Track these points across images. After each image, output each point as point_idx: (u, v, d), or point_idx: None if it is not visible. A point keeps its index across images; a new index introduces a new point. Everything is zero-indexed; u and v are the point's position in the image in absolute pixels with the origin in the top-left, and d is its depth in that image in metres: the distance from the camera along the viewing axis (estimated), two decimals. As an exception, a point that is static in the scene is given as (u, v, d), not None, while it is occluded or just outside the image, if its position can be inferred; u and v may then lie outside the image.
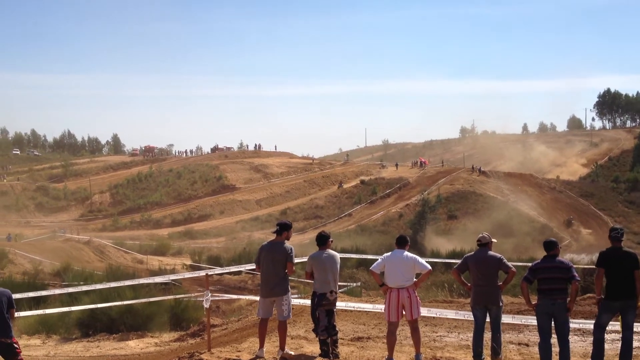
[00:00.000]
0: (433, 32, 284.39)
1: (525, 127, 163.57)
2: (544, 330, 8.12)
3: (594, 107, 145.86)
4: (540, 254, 8.58)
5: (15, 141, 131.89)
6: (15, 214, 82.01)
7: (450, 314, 11.88)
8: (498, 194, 75.25)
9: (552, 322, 8.06)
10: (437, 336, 11.40)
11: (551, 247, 8.21)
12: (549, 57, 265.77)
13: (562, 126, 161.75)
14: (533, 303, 8.22)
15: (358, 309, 13.21)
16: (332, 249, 8.98)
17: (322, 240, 8.92)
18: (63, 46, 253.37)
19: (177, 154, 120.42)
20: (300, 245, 42.91)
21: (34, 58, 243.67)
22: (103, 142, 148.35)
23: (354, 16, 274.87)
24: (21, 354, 8.09)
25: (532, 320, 10.61)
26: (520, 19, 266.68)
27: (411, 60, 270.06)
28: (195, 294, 19.49)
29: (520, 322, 11.17)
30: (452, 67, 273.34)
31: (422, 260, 8.69)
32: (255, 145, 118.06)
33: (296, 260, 9.03)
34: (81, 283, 23.73)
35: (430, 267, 8.65)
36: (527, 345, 10.47)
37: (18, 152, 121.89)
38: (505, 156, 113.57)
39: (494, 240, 8.89)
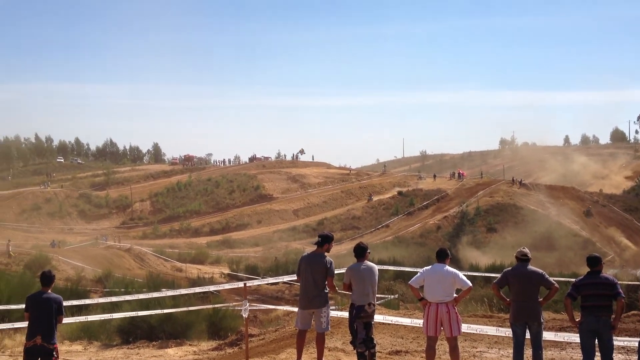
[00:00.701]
0: (474, 42, 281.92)
1: (567, 139, 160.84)
2: (587, 349, 7.93)
3: (638, 120, 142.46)
4: (584, 269, 8.40)
5: (60, 149, 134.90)
6: (59, 220, 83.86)
7: (490, 330, 11.70)
8: (539, 207, 73.96)
9: (596, 340, 7.89)
10: (477, 352, 11.24)
11: (595, 263, 8.04)
12: (590, 68, 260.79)
13: (604, 138, 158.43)
14: (577, 320, 8.05)
15: (396, 323, 13.11)
16: (369, 261, 8.97)
17: (361, 252, 8.85)
18: (107, 57, 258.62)
19: (215, 163, 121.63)
20: (337, 256, 42.74)
21: (79, 68, 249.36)
22: (144, 150, 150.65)
23: (393, 27, 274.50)
24: None
25: (575, 338, 10.39)
26: (561, 30, 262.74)
27: (450, 70, 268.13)
28: (233, 303, 19.61)
29: (562, 340, 10.93)
30: (491, 78, 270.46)
31: (463, 276, 8.58)
32: (293, 155, 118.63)
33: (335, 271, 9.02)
34: (122, 290, 24.14)
35: (470, 284, 8.53)
36: (570, 363, 10.23)
37: (62, 160, 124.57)
38: (546, 168, 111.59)
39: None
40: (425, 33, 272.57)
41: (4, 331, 14.95)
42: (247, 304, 10.77)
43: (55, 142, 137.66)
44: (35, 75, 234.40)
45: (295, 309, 9.39)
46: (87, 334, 15.68)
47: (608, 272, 8.32)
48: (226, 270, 43.29)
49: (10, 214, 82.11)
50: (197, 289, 17.93)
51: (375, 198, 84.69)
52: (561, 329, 12.84)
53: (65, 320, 15.26)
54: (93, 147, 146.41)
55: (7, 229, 73.96)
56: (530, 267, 8.48)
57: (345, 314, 10.25)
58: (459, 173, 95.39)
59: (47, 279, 8.22)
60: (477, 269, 31.10)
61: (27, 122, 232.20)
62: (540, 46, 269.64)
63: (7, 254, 45.93)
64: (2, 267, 34.57)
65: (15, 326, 13.50)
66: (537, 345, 8.36)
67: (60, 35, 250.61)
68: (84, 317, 16.05)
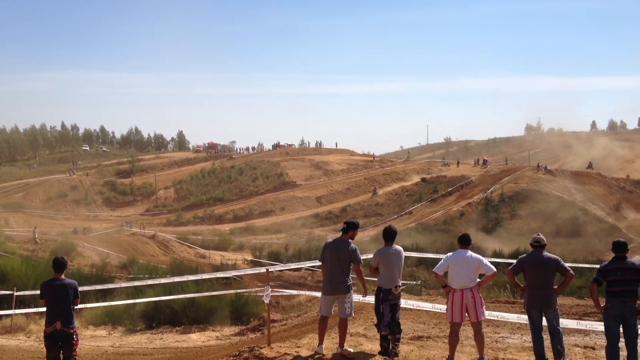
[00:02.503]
0: (497, 27, 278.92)
1: (594, 125, 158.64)
2: (612, 334, 7.80)
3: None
4: (609, 255, 8.26)
5: (85, 137, 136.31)
6: (84, 208, 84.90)
7: (512, 317, 11.58)
8: (564, 193, 73.05)
9: (621, 327, 7.76)
10: (499, 337, 11.15)
11: (621, 248, 7.90)
12: (617, 53, 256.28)
13: (632, 124, 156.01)
14: (602, 305, 7.92)
15: (417, 308, 13.06)
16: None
17: (392, 236, 8.84)
18: (131, 46, 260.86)
19: (239, 150, 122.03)
20: (360, 242, 42.64)
21: (104, 57, 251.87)
22: (168, 138, 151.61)
23: (415, 12, 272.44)
24: (78, 345, 8.29)
25: (597, 326, 10.25)
26: (587, 14, 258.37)
27: (475, 56, 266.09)
28: (256, 289, 19.69)
29: (585, 328, 10.79)
30: (517, 64, 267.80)
31: (487, 262, 8.50)
32: (316, 142, 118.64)
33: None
34: (146, 276, 24.38)
35: (495, 269, 8.45)
36: (593, 348, 10.10)
37: (87, 148, 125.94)
38: (573, 154, 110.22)
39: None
40: (452, 19, 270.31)
41: (30, 316, 15.19)
42: (269, 290, 10.77)
43: (81, 131, 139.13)
44: (61, 65, 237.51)
45: (318, 295, 9.38)
46: (111, 319, 15.86)
47: (634, 258, 8.15)
48: (249, 257, 43.45)
49: (37, 201, 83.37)
50: (219, 274, 18.06)
51: (395, 186, 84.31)
52: (585, 315, 12.70)
53: (90, 305, 15.54)
54: (118, 135, 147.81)
55: (34, 216, 75.18)
56: (546, 253, 8.38)
57: (366, 300, 10.21)
58: (483, 159, 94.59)
59: (60, 265, 8.26)
60: (500, 255, 30.85)
61: (53, 111, 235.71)
62: (567, 31, 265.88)
63: (34, 241, 46.66)
64: (29, 254, 35.07)
65: (41, 311, 13.69)
66: (556, 331, 8.26)
67: (87, 25, 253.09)
68: (109, 302, 16.26)
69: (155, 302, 15.14)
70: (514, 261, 8.81)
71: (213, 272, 22.60)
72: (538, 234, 8.68)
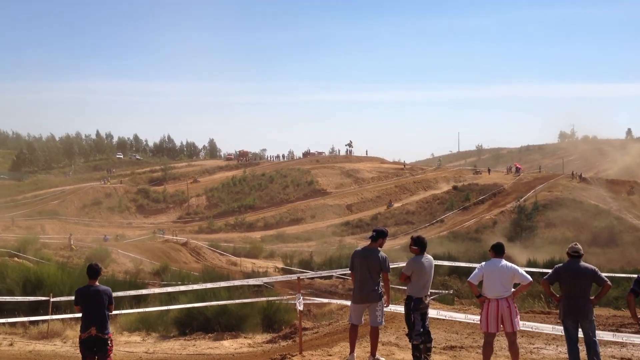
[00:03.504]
0: (530, 34, 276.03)
1: (629, 132, 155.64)
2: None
3: None
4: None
5: (119, 146, 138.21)
6: (118, 215, 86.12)
7: (547, 328, 11.41)
8: (600, 201, 71.81)
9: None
10: (534, 348, 10.99)
11: (659, 258, 7.75)
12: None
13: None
14: (639, 316, 7.76)
15: (450, 318, 12.94)
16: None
17: (425, 245, 8.82)
18: (164, 55, 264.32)
19: (269, 158, 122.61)
20: (391, 250, 42.63)
21: (138, 67, 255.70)
22: (200, 146, 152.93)
23: (447, 20, 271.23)
24: (112, 351, 8.38)
25: (634, 338, 10.04)
26: (623, 20, 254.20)
27: (507, 63, 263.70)
28: (287, 296, 19.71)
29: (621, 340, 10.57)
30: (550, 70, 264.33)
31: (522, 271, 8.41)
32: (347, 150, 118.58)
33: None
34: (179, 283, 24.57)
35: (530, 279, 8.35)
36: (631, 360, 9.90)
37: (121, 156, 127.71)
38: (608, 162, 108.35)
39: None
40: (484, 26, 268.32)
41: (66, 322, 15.43)
42: (301, 298, 10.79)
43: (115, 139, 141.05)
44: (97, 74, 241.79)
45: (349, 303, 9.36)
46: (145, 325, 16.01)
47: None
48: (280, 265, 43.54)
49: (72, 209, 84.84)
50: (251, 281, 18.10)
51: (427, 194, 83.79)
52: (622, 326, 12.44)
53: (124, 311, 15.71)
54: (151, 144, 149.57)
55: (69, 223, 76.50)
56: (583, 263, 8.26)
57: (399, 308, 10.17)
58: (516, 167, 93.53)
59: (94, 271, 8.35)
60: (534, 265, 30.40)
61: (88, 119, 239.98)
62: (603, 37, 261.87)
63: (69, 247, 47.48)
64: (64, 260, 35.61)
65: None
66: (592, 343, 8.12)
67: (122, 36, 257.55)
68: (142, 309, 16.43)
69: (188, 308, 15.26)
70: (549, 271, 8.69)
71: (244, 279, 22.71)
72: (576, 244, 8.55)
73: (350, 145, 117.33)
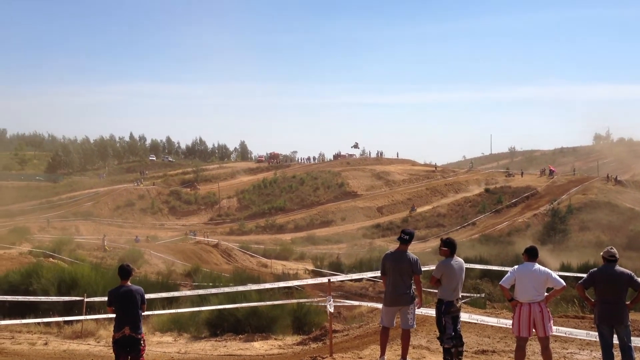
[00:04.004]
0: (564, 35, 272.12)
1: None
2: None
3: None
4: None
5: (152, 148, 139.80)
6: (151, 216, 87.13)
7: (581, 333, 11.21)
8: (636, 204, 70.39)
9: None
10: (567, 353, 10.81)
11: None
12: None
13: None
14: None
15: (482, 322, 12.80)
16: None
17: (455, 247, 8.77)
18: (196, 58, 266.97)
19: (300, 160, 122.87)
20: (422, 253, 42.36)
21: (170, 70, 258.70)
22: (231, 148, 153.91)
23: (478, 20, 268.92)
24: (145, 351, 8.48)
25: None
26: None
27: (540, 64, 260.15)
28: (317, 298, 19.72)
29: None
30: (584, 71, 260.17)
31: (556, 275, 8.28)
32: (377, 152, 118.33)
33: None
34: (210, 284, 24.75)
35: (564, 283, 8.22)
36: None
37: (154, 158, 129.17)
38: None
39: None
40: (516, 26, 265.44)
41: (99, 322, 15.65)
42: (332, 300, 10.77)
43: (148, 141, 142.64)
44: (130, 77, 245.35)
45: (379, 306, 9.33)
46: (177, 325, 16.16)
47: None
48: (310, 267, 43.56)
49: (106, 210, 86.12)
50: (282, 284, 18.15)
51: (458, 196, 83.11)
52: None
53: (157, 312, 15.88)
54: (183, 146, 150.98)
55: (103, 224, 77.67)
56: (618, 267, 8.12)
57: (430, 311, 10.10)
58: (549, 170, 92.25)
59: (126, 272, 8.46)
60: (568, 269, 29.94)
61: (122, 122, 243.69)
62: (637, 38, 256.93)
63: (102, 248, 48.17)
64: (98, 261, 36.10)
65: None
66: (626, 348, 7.97)
67: (154, 38, 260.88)
68: (175, 310, 16.59)
69: (219, 309, 15.35)
70: (583, 275, 8.56)
71: (275, 282, 22.77)
72: (611, 248, 8.40)
73: (356, 146, 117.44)
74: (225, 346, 13.82)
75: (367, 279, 31.30)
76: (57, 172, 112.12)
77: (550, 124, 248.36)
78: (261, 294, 17.35)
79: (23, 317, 15.88)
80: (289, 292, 23.86)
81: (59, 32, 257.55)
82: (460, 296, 8.68)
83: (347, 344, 12.44)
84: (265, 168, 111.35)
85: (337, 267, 39.33)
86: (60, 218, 78.29)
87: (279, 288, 21.05)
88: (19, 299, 16.71)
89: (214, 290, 15.84)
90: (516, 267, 8.47)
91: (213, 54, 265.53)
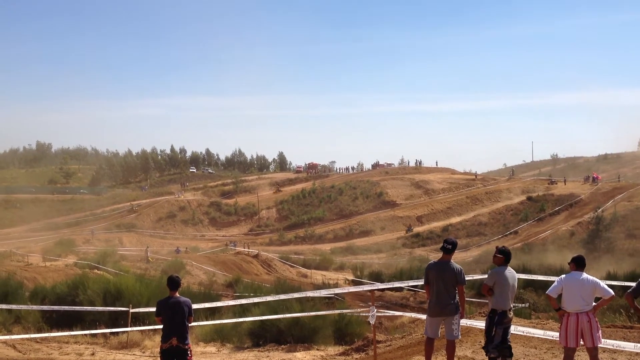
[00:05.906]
0: (605, 40, 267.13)
1: None
2: None
3: None
4: None
5: (192, 160, 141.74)
6: (192, 227, 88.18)
7: (629, 346, 10.91)
8: (684, 211, 68.41)
9: None
10: (617, 365, 10.54)
11: None
12: None
13: None
14: None
15: (528, 334, 12.57)
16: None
17: (509, 256, 8.69)
18: (233, 70, 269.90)
19: (338, 170, 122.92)
20: (463, 263, 41.86)
21: (208, 83, 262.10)
22: (270, 159, 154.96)
23: (518, 27, 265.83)
24: None
25: None
26: None
27: (582, 70, 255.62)
28: (359, 309, 19.65)
29: None
30: (629, 76, 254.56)
31: (604, 284, 8.11)
32: (416, 161, 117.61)
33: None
34: (251, 294, 24.91)
35: (612, 293, 8.04)
36: None
37: (194, 170, 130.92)
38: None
39: None
40: (558, 33, 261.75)
41: (145, 332, 15.86)
42: (375, 310, 10.74)
43: (189, 153, 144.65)
44: (170, 91, 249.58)
45: (421, 316, 9.28)
46: (220, 336, 16.28)
47: None
48: (350, 277, 43.45)
49: (148, 222, 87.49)
50: (324, 292, 18.15)
51: (500, 205, 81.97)
52: None
53: (200, 322, 16.05)
54: (222, 157, 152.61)
55: (145, 235, 78.92)
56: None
57: (474, 322, 9.98)
58: (593, 177, 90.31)
59: (175, 283, 8.59)
60: (614, 277, 29.21)
61: (163, 135, 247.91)
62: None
63: (146, 260, 48.90)
64: (141, 272, 36.64)
65: (155, 328, 14.27)
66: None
67: (193, 52, 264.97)
68: (218, 320, 16.73)
69: (262, 320, 15.42)
70: (631, 284, 8.36)
71: (316, 290, 22.79)
72: None
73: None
74: (268, 356, 13.86)
75: (408, 289, 31.11)
76: (100, 185, 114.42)
77: (593, 131, 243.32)
78: (303, 305, 17.37)
79: (70, 328, 16.20)
80: (329, 302, 23.84)
81: (102, 49, 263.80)
82: (512, 306, 8.56)
83: (390, 354, 12.36)
84: (304, 178, 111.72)
85: (377, 277, 39.15)
86: (104, 230, 79.84)
87: (320, 298, 21.05)
88: (66, 309, 17.06)
89: (256, 299, 15.95)
90: (563, 276, 8.32)
91: (251, 66, 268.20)
